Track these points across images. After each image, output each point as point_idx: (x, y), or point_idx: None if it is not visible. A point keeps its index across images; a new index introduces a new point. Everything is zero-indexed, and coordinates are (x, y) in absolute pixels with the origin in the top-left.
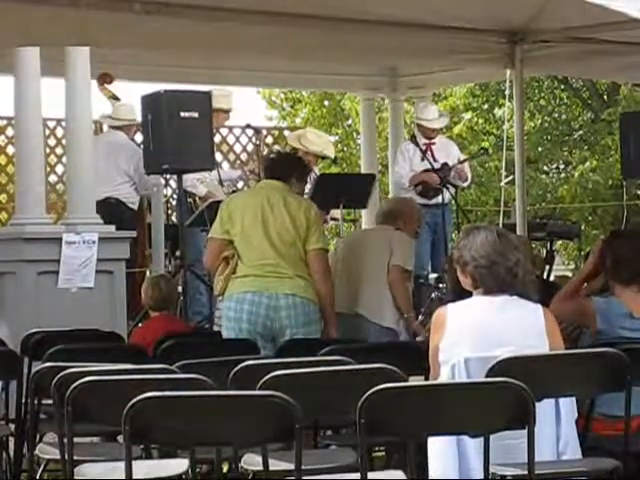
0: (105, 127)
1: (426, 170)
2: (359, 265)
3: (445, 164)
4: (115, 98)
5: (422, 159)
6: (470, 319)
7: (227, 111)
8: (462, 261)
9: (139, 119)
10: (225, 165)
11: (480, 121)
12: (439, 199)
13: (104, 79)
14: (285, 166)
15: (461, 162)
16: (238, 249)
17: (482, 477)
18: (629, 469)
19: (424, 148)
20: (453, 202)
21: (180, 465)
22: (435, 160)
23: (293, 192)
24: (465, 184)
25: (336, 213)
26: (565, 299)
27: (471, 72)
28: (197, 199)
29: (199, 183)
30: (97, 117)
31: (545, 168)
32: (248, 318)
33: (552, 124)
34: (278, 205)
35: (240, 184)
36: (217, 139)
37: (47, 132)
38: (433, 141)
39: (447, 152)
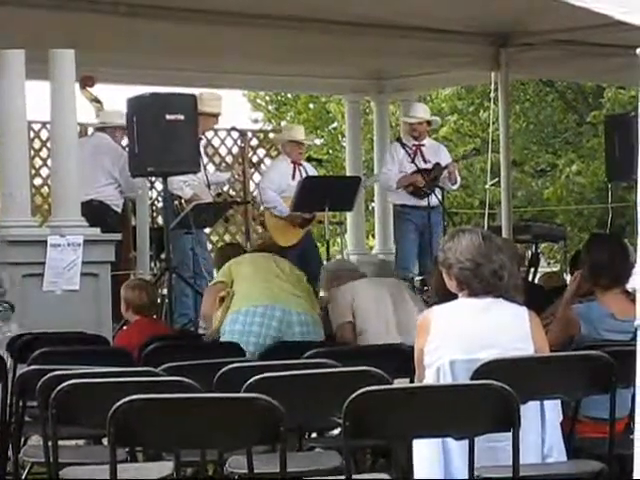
0: (90, 130)
1: (417, 171)
2: None
3: (437, 164)
4: (97, 101)
5: (412, 161)
6: (455, 322)
7: (216, 115)
8: (447, 263)
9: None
10: (210, 168)
11: (466, 123)
12: (428, 201)
13: (86, 82)
14: None
15: (455, 161)
16: (239, 284)
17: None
18: (614, 472)
19: (413, 149)
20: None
21: (165, 468)
22: (426, 162)
23: None
24: (454, 187)
25: (321, 216)
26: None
27: (457, 75)
28: (183, 201)
29: (185, 185)
30: (83, 120)
31: (531, 170)
32: (258, 331)
33: (538, 126)
34: (284, 262)
35: (226, 187)
36: (202, 142)
37: (32, 135)
38: (423, 143)
39: (437, 154)
